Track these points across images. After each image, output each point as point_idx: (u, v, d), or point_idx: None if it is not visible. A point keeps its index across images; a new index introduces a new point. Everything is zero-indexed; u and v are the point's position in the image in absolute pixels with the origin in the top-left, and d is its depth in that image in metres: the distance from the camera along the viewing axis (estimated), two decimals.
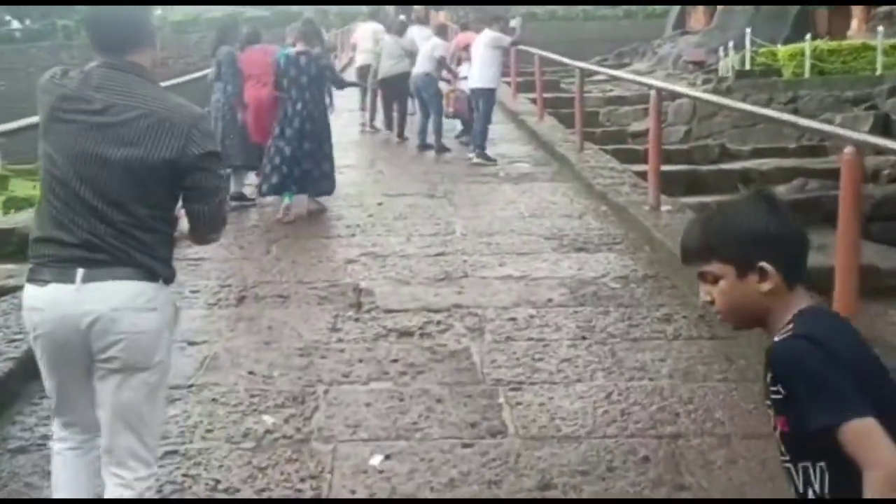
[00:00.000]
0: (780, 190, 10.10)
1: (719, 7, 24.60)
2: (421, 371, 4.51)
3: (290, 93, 7.87)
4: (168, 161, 2.52)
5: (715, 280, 1.82)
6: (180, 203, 2.68)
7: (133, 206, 2.53)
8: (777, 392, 1.70)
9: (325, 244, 7.11)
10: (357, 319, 5.28)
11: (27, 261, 2.65)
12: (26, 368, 4.18)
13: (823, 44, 17.50)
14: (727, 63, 19.45)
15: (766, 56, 18.55)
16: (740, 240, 1.78)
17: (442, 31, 12.49)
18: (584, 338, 4.93)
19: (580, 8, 36.43)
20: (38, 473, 3.51)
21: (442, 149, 11.35)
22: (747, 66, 18.56)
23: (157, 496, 2.87)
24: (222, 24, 10.20)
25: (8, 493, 3.44)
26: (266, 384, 4.37)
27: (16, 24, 41.45)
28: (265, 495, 3.40)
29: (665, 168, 8.18)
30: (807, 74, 16.24)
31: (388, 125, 12.70)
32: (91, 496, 2.75)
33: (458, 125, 12.17)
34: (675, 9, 28.74)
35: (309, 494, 3.40)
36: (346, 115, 13.51)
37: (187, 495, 3.40)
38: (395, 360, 4.64)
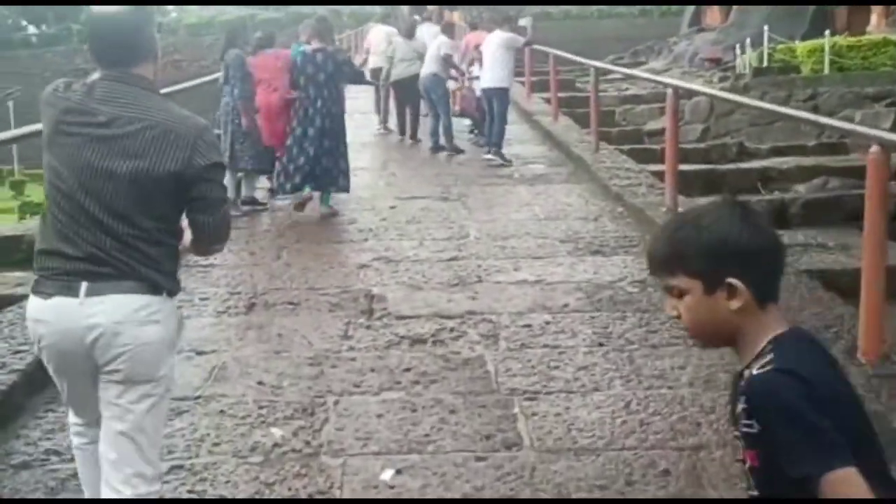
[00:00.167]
0: (801, 189, 9.95)
1: (735, 4, 24.36)
2: (434, 380, 4.41)
3: (307, 91, 7.77)
4: (174, 173, 2.53)
5: (681, 294, 1.68)
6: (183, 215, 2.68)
7: (139, 219, 2.54)
8: (750, 426, 1.58)
9: (337, 249, 7.02)
10: (369, 327, 5.17)
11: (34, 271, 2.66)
12: (31, 381, 4.13)
13: (843, 39, 17.24)
14: (744, 60, 19.20)
15: (784, 53, 18.29)
16: (709, 252, 1.64)
17: (448, 29, 12.26)
18: (601, 344, 4.81)
19: (595, 6, 36.22)
20: (40, 490, 3.44)
21: (455, 150, 11.23)
22: (765, 63, 18.32)
23: None
24: (231, 27, 10.14)
25: None
26: (275, 395, 4.27)
27: (32, 29, 41.67)
28: None
29: (682, 167, 8.05)
30: (826, 71, 16.01)
31: (402, 129, 12.52)
32: None
33: (466, 123, 12.03)
34: (691, 6, 28.51)
35: None
36: (357, 116, 13.41)
37: None
38: (407, 369, 4.53)
